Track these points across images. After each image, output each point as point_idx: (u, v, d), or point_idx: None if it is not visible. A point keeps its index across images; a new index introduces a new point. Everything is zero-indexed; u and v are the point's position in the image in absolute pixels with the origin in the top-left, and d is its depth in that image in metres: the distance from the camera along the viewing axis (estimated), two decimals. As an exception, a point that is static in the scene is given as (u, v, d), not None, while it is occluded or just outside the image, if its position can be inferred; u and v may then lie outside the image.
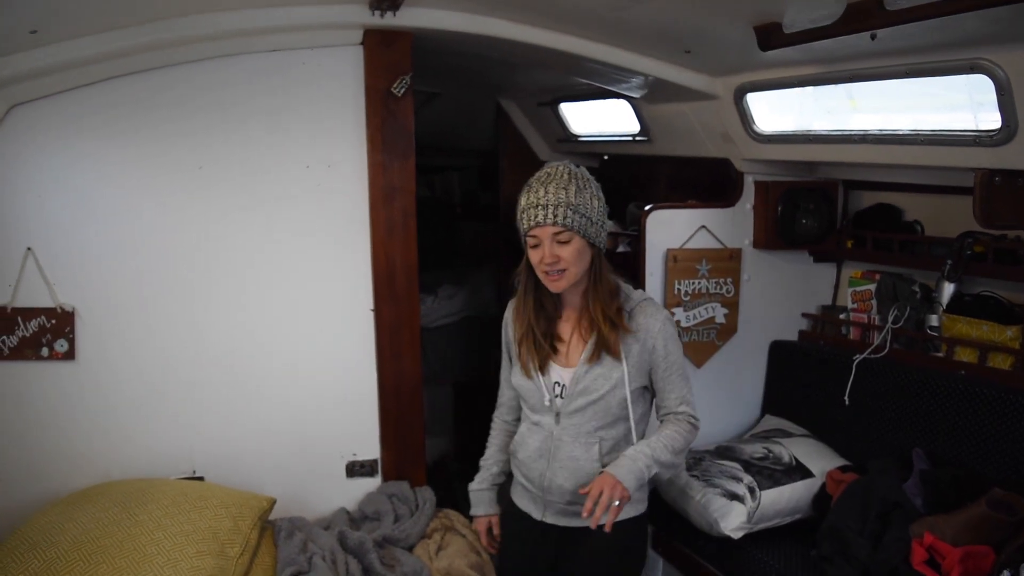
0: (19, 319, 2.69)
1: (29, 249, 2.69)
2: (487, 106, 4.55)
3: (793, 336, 3.52)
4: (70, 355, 2.74)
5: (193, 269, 2.84)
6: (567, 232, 2.13)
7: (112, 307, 2.78)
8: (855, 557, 2.48)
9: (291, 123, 2.87)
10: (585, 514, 2.07)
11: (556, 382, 2.31)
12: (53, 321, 2.71)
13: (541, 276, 2.22)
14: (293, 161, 2.89)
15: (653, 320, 2.27)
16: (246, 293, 2.90)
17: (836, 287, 3.49)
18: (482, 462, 2.62)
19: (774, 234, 3.29)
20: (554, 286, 2.21)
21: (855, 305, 3.26)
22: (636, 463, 2.15)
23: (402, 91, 2.87)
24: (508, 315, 2.47)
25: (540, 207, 2.14)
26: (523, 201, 2.20)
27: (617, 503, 2.07)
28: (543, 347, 2.30)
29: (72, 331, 2.73)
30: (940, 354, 2.92)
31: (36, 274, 2.70)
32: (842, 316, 3.33)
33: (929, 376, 2.85)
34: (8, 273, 2.68)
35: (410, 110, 2.92)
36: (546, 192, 2.14)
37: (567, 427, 2.29)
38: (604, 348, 2.24)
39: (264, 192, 2.87)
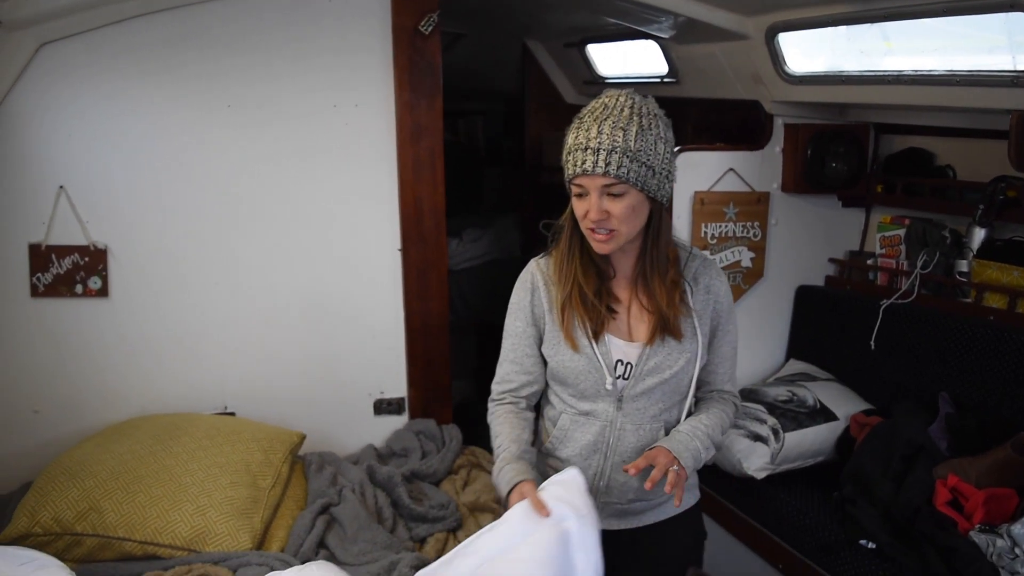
0: (53, 256, 2.73)
1: (61, 187, 2.72)
2: (513, 48, 4.50)
3: (820, 281, 3.50)
4: (103, 292, 2.78)
5: (222, 208, 2.87)
6: (621, 184, 1.69)
7: (144, 245, 2.82)
8: (878, 498, 2.51)
9: (318, 62, 2.86)
10: (649, 486, 1.71)
11: (619, 360, 1.85)
12: (86, 259, 2.75)
13: (586, 233, 1.78)
14: (320, 100, 2.89)
15: (719, 282, 1.91)
16: (275, 231, 2.93)
17: (864, 232, 3.46)
18: (496, 450, 1.89)
19: (803, 178, 3.25)
20: (600, 247, 1.78)
21: (883, 251, 3.23)
22: (694, 441, 1.82)
23: (429, 29, 2.85)
24: (536, 276, 1.93)
25: (590, 150, 1.68)
26: (570, 139, 1.73)
27: (672, 475, 1.73)
28: (596, 308, 1.83)
29: (105, 268, 2.77)
30: (969, 300, 2.90)
31: (69, 212, 2.74)
32: (870, 262, 3.31)
33: (957, 322, 2.84)
34: (42, 211, 2.72)
35: (437, 48, 2.90)
36: (599, 132, 1.68)
37: (630, 413, 1.86)
38: (667, 331, 1.83)
39: (292, 132, 2.88)
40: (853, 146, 3.24)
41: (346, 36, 2.87)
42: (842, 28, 2.74)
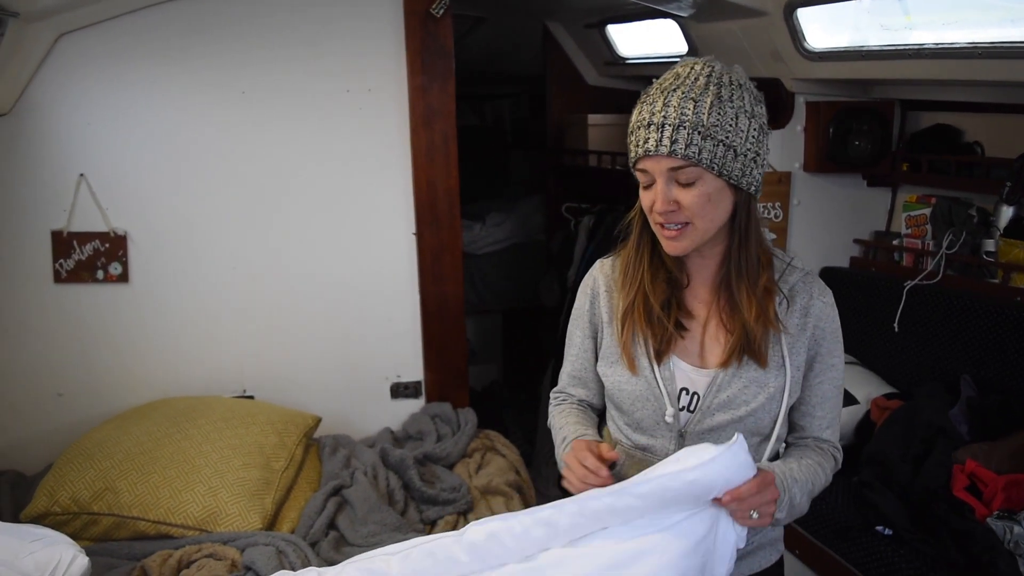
0: (74, 243, 2.79)
1: (82, 175, 2.77)
2: (534, 30, 4.46)
3: (844, 263, 3.43)
4: (124, 278, 2.84)
5: (239, 193, 2.90)
6: (692, 168, 1.38)
7: (162, 231, 2.86)
8: (896, 482, 2.46)
9: (331, 47, 2.88)
10: (726, 501, 1.37)
11: (684, 388, 1.53)
12: (107, 245, 2.81)
13: (655, 229, 1.48)
14: (333, 85, 2.90)
15: (822, 302, 1.53)
16: (291, 216, 2.96)
17: (891, 212, 3.38)
18: (560, 442, 1.64)
19: (826, 157, 3.18)
20: (671, 245, 1.46)
21: (909, 230, 3.16)
22: (790, 489, 1.45)
23: (441, 12, 2.84)
24: (598, 280, 1.65)
25: (653, 127, 1.39)
26: (633, 116, 1.45)
27: (756, 516, 1.39)
28: (663, 323, 1.52)
29: (125, 254, 2.82)
30: (995, 280, 2.82)
31: (89, 199, 2.79)
32: (895, 242, 3.23)
33: (983, 303, 2.76)
34: (63, 198, 2.78)
35: (449, 32, 2.89)
36: (665, 104, 1.38)
37: None
38: (749, 352, 1.49)
39: (306, 117, 2.90)
40: (877, 123, 3.16)
41: (358, 21, 2.87)
42: (863, 2, 2.67)
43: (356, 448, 2.80)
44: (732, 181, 1.40)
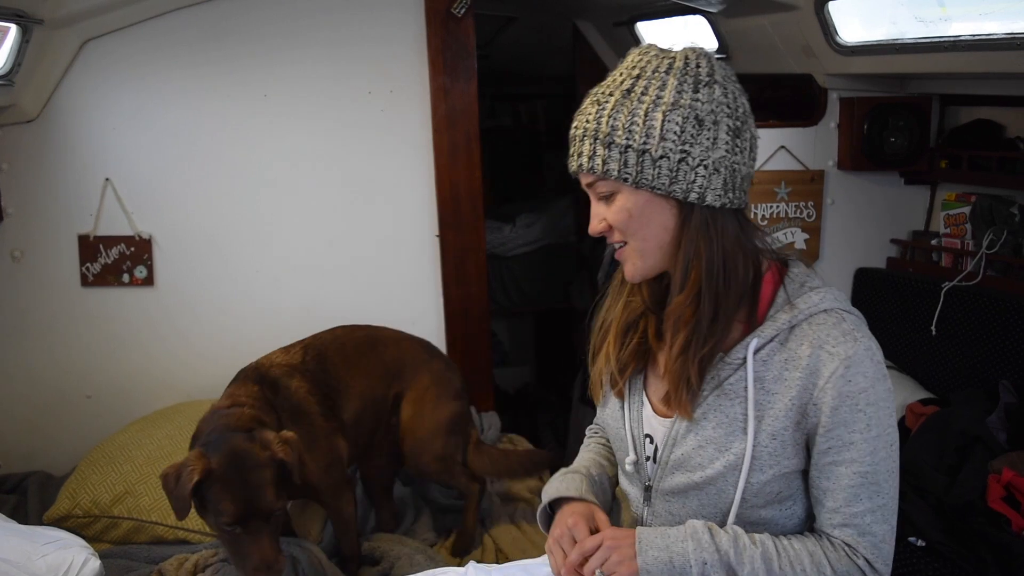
0: (101, 247, 2.82)
1: (107, 180, 2.80)
2: (564, 29, 4.42)
3: (881, 263, 3.32)
4: (149, 281, 2.86)
5: (261, 196, 2.91)
6: (602, 181, 1.19)
7: (187, 234, 2.89)
8: (930, 492, 2.37)
9: (352, 49, 2.88)
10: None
11: (648, 435, 1.32)
12: (132, 248, 2.83)
13: None
14: (355, 87, 2.89)
15: (832, 357, 1.16)
16: (314, 218, 2.96)
17: (930, 211, 3.26)
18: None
19: (860, 154, 3.09)
20: (625, 269, 1.27)
21: (948, 230, 3.05)
22: (682, 545, 1.19)
23: (462, 11, 2.81)
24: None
25: (574, 139, 1.22)
26: None
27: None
28: (629, 343, 1.32)
29: (150, 258, 2.85)
30: (1038, 281, 2.71)
31: (115, 204, 2.82)
32: (933, 242, 3.12)
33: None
34: (90, 203, 2.81)
35: (471, 32, 2.86)
36: (579, 112, 1.23)
37: (661, 515, 1.31)
38: (676, 402, 1.24)
39: (328, 119, 2.90)
40: (914, 119, 3.06)
41: (379, 21, 2.87)
42: (898, -5, 2.59)
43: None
44: (658, 191, 1.17)
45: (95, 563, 1.86)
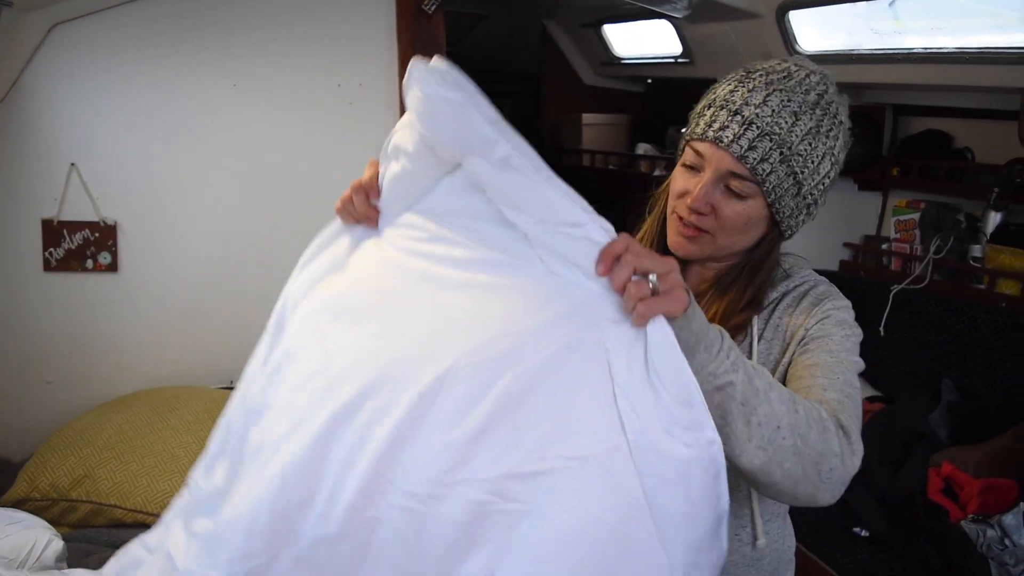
0: (65, 232, 2.80)
1: (73, 164, 2.78)
2: (534, 29, 4.48)
3: (834, 266, 3.44)
4: (113, 267, 2.85)
5: (229, 185, 2.91)
6: (750, 183, 1.18)
7: (152, 221, 2.87)
8: (874, 485, 2.46)
9: (322, 41, 2.88)
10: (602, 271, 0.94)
11: None
12: (97, 234, 2.82)
13: (669, 217, 1.29)
14: (325, 79, 2.91)
15: (818, 296, 1.27)
16: (280, 209, 2.96)
17: (881, 216, 3.38)
18: None
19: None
20: (677, 242, 1.27)
21: (898, 235, 3.16)
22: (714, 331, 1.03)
23: (433, 8, 2.84)
24: None
25: (738, 116, 1.18)
26: (717, 91, 1.24)
27: (654, 282, 0.93)
28: None
29: (115, 244, 2.84)
30: (981, 286, 2.82)
31: (80, 189, 2.80)
32: (885, 246, 3.23)
33: (968, 308, 2.77)
34: (54, 188, 2.78)
35: (441, 28, 2.89)
36: (765, 100, 1.17)
37: None
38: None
39: (297, 110, 2.91)
40: (868, 128, 3.18)
41: (350, 15, 2.88)
42: (856, 7, 2.68)
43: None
44: (776, 216, 1.21)
45: (58, 544, 1.86)
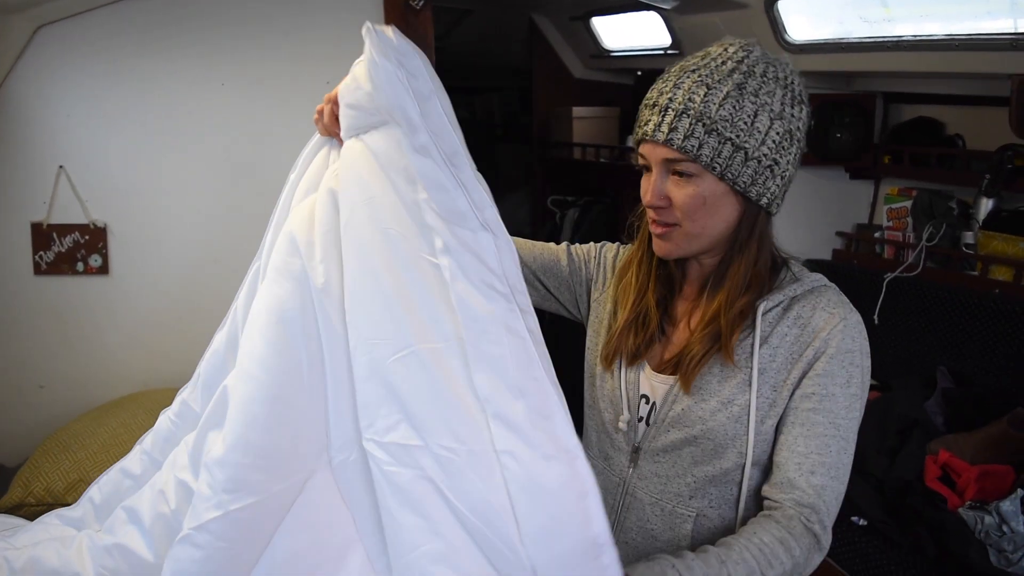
0: (54, 235, 2.78)
1: (61, 167, 2.76)
2: (520, 23, 4.46)
3: (827, 255, 3.44)
4: (104, 270, 2.83)
5: (219, 185, 2.89)
6: (689, 162, 1.21)
7: (143, 223, 2.85)
8: (871, 473, 2.47)
9: (310, 38, 2.86)
10: None
11: (644, 395, 1.35)
12: (86, 237, 2.80)
13: (649, 222, 1.32)
14: (313, 76, 2.88)
15: (831, 316, 1.26)
16: (270, 208, 2.93)
17: (873, 205, 3.38)
18: None
19: (807, 150, 3.19)
20: (657, 244, 1.31)
21: (891, 223, 3.17)
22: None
23: (420, 4, 2.83)
24: (607, 257, 1.53)
25: (657, 109, 1.23)
26: (647, 93, 1.29)
27: None
28: (649, 327, 1.35)
29: (105, 246, 2.82)
30: (974, 272, 2.83)
31: (69, 191, 2.78)
32: (877, 235, 3.24)
33: (962, 295, 2.77)
34: (43, 190, 2.77)
35: (429, 24, 2.88)
36: (676, 86, 1.22)
37: (647, 477, 1.34)
38: (719, 349, 1.28)
39: (286, 108, 2.88)
40: (859, 116, 3.17)
41: (337, 12, 2.86)
42: (845, -5, 2.68)
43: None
44: (737, 188, 1.22)
45: (54, 548, 1.85)
